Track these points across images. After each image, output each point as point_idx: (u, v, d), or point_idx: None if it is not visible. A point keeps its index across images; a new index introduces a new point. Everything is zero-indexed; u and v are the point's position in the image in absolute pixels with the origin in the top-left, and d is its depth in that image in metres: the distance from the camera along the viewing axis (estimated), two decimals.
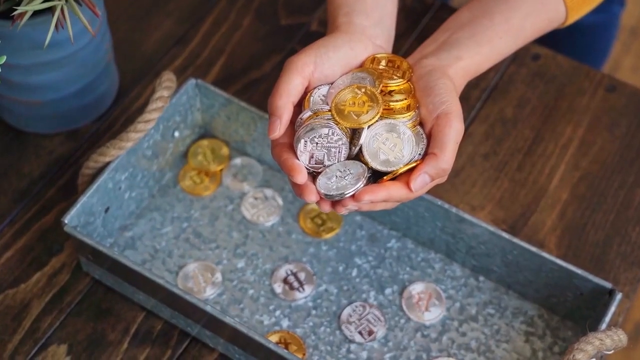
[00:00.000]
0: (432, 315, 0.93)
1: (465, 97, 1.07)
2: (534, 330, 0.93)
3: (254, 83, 1.08)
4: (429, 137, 0.82)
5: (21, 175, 1.00)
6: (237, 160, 1.01)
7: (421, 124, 0.82)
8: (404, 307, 0.93)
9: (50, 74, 0.96)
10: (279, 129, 0.81)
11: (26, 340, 0.91)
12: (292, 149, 0.81)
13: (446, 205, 0.91)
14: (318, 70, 0.83)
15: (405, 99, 0.82)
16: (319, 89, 0.83)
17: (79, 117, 1.03)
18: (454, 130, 0.80)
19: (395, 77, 0.83)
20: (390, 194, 0.79)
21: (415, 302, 0.93)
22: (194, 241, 0.96)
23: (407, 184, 0.79)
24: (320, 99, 0.83)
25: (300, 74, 0.82)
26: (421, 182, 0.79)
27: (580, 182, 1.02)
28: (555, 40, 1.17)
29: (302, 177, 0.79)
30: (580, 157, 1.03)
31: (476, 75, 0.88)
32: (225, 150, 1.01)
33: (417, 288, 0.94)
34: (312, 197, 0.80)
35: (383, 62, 0.85)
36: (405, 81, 0.83)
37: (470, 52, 0.86)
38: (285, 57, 1.09)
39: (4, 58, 0.82)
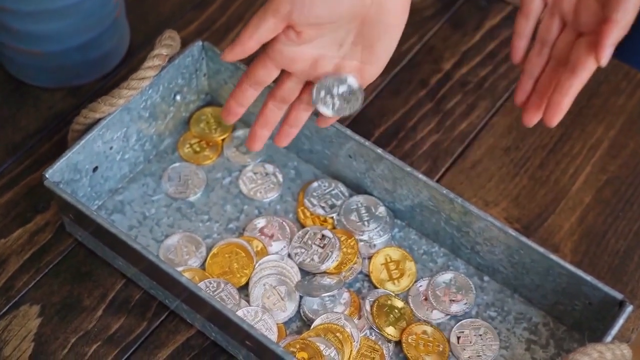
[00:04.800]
0: (433, 316, 0.86)
1: (491, 88, 1.00)
2: (536, 338, 0.85)
3: None
4: None
5: (17, 128, 0.96)
6: (241, 132, 0.96)
7: None
8: None
9: (53, 24, 0.92)
10: (231, 55, 0.79)
11: None
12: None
13: (451, 195, 0.84)
14: (297, 12, 0.75)
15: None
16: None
17: (82, 73, 0.98)
18: None
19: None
20: (579, 87, 0.76)
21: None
22: (185, 211, 0.91)
23: (595, 57, 0.74)
24: None
25: (273, 15, 0.76)
26: (609, 54, 0.74)
27: (605, 186, 0.94)
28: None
29: (230, 119, 0.85)
30: (608, 159, 0.96)
31: None
32: None
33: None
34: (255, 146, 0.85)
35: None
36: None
37: None
38: None
39: None
